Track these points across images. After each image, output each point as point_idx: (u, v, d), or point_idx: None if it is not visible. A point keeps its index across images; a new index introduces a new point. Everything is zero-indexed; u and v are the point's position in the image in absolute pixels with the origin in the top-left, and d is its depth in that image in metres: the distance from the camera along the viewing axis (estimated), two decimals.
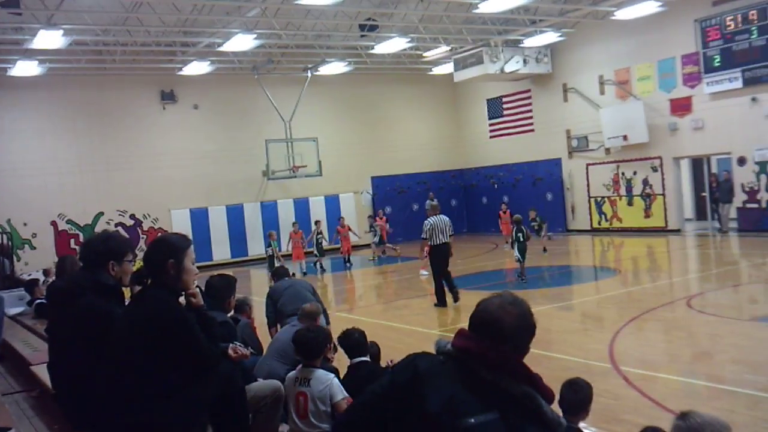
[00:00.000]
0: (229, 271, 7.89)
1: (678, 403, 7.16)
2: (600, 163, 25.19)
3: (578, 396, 4.37)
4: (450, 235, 13.62)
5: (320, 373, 5.38)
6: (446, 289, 13.22)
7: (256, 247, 26.14)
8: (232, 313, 7.14)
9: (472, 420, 2.30)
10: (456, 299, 12.87)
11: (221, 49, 20.95)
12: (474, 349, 2.44)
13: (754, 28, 20.06)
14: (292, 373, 5.51)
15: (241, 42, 20.14)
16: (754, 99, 20.35)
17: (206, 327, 4.10)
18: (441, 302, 13.01)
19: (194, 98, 25.48)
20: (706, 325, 10.72)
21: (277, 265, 15.64)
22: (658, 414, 6.70)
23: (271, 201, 26.73)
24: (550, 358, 9.06)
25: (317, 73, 25.70)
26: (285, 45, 22.96)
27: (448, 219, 13.82)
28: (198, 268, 4.39)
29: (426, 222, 13.74)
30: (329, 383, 5.32)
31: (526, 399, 2.36)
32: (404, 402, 2.47)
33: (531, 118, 27.77)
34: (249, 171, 25.91)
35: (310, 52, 23.88)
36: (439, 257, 13.32)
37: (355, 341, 5.95)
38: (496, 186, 29.56)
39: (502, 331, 2.43)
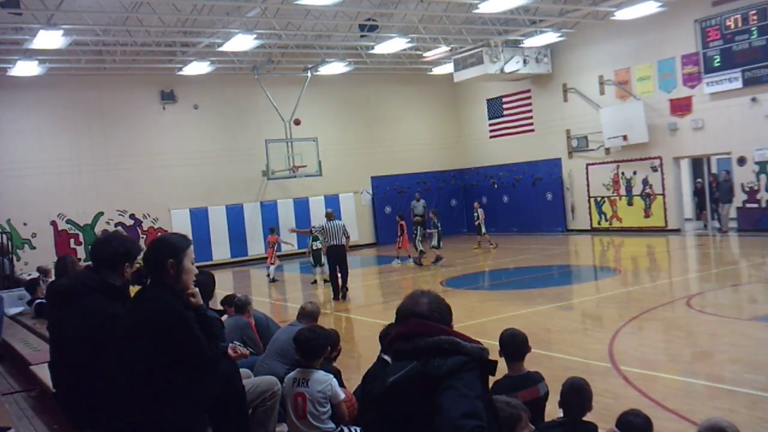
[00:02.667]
0: (228, 271, 7.90)
1: (678, 402, 7.18)
2: (600, 163, 25.19)
3: (582, 397, 4.43)
4: (346, 238, 16.03)
5: (319, 374, 5.37)
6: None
7: (256, 247, 26.16)
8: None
9: (393, 378, 2.66)
10: (343, 297, 15.64)
11: (221, 49, 20.96)
12: (395, 332, 2.84)
13: (754, 28, 20.06)
14: (291, 374, 5.51)
15: (241, 42, 20.15)
16: (754, 99, 20.35)
17: (206, 326, 4.11)
18: (335, 294, 15.77)
19: (194, 98, 25.49)
20: (705, 324, 10.73)
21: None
22: (658, 413, 6.70)
23: (271, 201, 26.73)
24: (551, 358, 9.07)
25: (317, 73, 25.71)
26: (285, 45, 22.98)
27: (341, 223, 16.39)
28: (198, 268, 4.40)
29: (319, 226, 16.72)
30: (328, 384, 5.32)
31: (443, 343, 2.69)
32: (368, 400, 3.00)
33: (531, 118, 27.77)
34: (249, 171, 25.92)
35: (310, 52, 23.89)
36: (333, 256, 16.01)
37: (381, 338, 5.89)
38: (496, 186, 29.57)
39: (414, 311, 2.83)
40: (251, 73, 25.12)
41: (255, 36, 19.97)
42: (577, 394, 4.47)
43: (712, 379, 7.97)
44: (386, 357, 3.08)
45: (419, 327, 2.77)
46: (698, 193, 23.08)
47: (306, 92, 25.81)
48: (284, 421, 5.58)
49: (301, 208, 27.28)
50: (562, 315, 12.42)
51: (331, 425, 5.33)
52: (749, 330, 10.20)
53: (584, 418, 4.52)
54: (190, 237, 4.37)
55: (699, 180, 23.54)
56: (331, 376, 5.42)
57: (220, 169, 25.60)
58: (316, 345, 5.48)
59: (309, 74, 25.60)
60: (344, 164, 27.76)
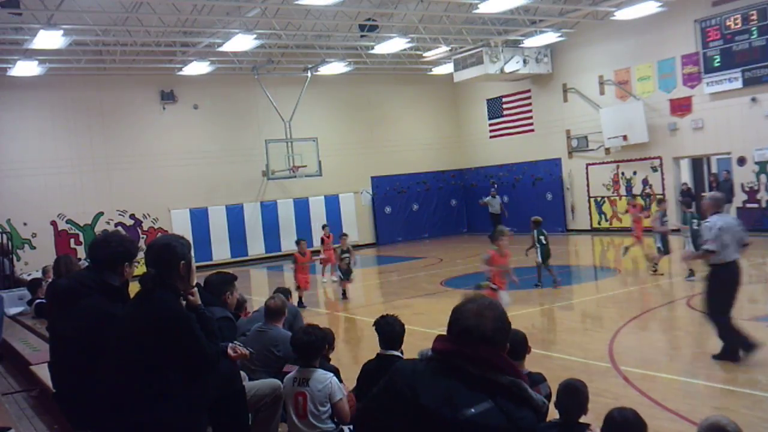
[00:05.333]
0: (229, 271, 7.90)
1: (678, 402, 7.18)
2: (600, 163, 25.19)
3: (578, 398, 4.39)
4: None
5: (319, 373, 5.37)
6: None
7: (255, 246, 26.19)
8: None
9: (473, 410, 2.40)
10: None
11: (221, 49, 20.97)
12: (459, 350, 2.54)
13: (754, 28, 20.07)
14: (291, 374, 5.50)
15: (241, 42, 20.15)
16: (754, 99, 20.35)
17: (204, 325, 4.11)
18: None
19: (194, 98, 25.49)
20: (705, 325, 10.69)
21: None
22: (658, 413, 6.71)
23: (270, 201, 26.74)
24: (551, 358, 9.07)
25: (317, 73, 25.71)
26: (285, 45, 22.98)
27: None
28: (198, 268, 4.41)
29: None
30: (328, 383, 5.31)
31: (513, 387, 2.48)
32: (400, 402, 2.54)
33: (531, 118, 27.77)
34: (249, 171, 25.92)
35: (310, 52, 23.89)
36: None
37: (387, 331, 5.66)
38: (495, 186, 29.55)
39: (484, 335, 2.53)
40: (251, 73, 25.12)
41: (255, 36, 19.97)
42: (573, 396, 4.42)
43: (712, 380, 7.97)
44: (427, 356, 2.69)
45: (494, 358, 2.51)
46: (684, 194, 23.01)
47: (306, 92, 25.81)
48: (285, 421, 5.59)
49: (301, 208, 27.29)
50: (562, 315, 12.42)
51: (331, 425, 5.33)
52: (749, 330, 10.17)
53: (581, 420, 4.51)
54: (191, 237, 4.38)
55: (685, 183, 23.51)
56: (331, 374, 5.42)
57: (220, 169, 25.60)
58: (313, 346, 5.46)
59: (309, 74, 25.61)
60: (344, 164, 27.76)
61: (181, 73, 23.96)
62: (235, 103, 26.17)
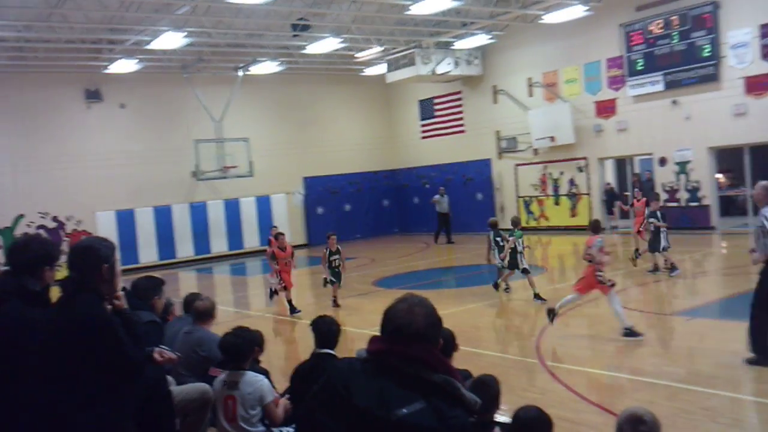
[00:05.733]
0: (157, 274, 7.72)
1: (601, 396, 7.40)
2: (528, 164, 25.71)
3: (488, 394, 4.41)
4: None
5: (249, 375, 5.33)
6: None
7: (184, 249, 25.75)
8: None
9: (405, 410, 2.40)
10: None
11: (149, 47, 20.51)
12: (392, 350, 2.54)
13: (675, 33, 20.82)
14: (220, 377, 5.44)
15: (170, 40, 19.77)
16: (674, 102, 21.12)
17: (130, 330, 4.03)
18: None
19: (121, 97, 24.86)
20: (628, 319, 11.06)
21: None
22: (583, 407, 6.90)
23: (200, 202, 26.30)
24: (479, 355, 9.22)
25: (248, 72, 25.43)
26: (215, 44, 22.64)
27: None
28: (124, 271, 4.31)
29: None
30: (258, 385, 5.27)
31: (446, 385, 2.49)
32: (336, 401, 2.54)
33: (462, 119, 28.15)
34: (178, 171, 25.43)
35: (242, 51, 23.61)
36: None
37: (324, 331, 5.63)
38: (427, 186, 29.82)
39: (416, 332, 2.55)
40: (180, 72, 24.66)
41: (185, 34, 19.62)
42: (484, 392, 4.35)
43: (635, 373, 8.23)
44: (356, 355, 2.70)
45: (427, 356, 2.53)
46: (608, 194, 23.74)
47: (237, 92, 25.51)
48: (214, 426, 5.52)
49: (232, 209, 26.95)
50: (491, 313, 12.63)
51: (262, 428, 5.30)
52: (670, 324, 10.59)
53: (498, 415, 4.56)
54: (116, 239, 4.29)
55: (609, 183, 24.24)
56: (262, 377, 5.38)
57: (147, 169, 25.02)
58: (242, 348, 5.41)
59: (240, 74, 25.31)
60: (276, 165, 27.55)
61: (107, 71, 23.31)
62: (164, 102, 25.64)
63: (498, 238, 14.09)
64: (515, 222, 14.33)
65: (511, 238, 13.59)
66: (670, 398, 7.10)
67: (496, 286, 13.96)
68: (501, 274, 14.02)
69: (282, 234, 14.29)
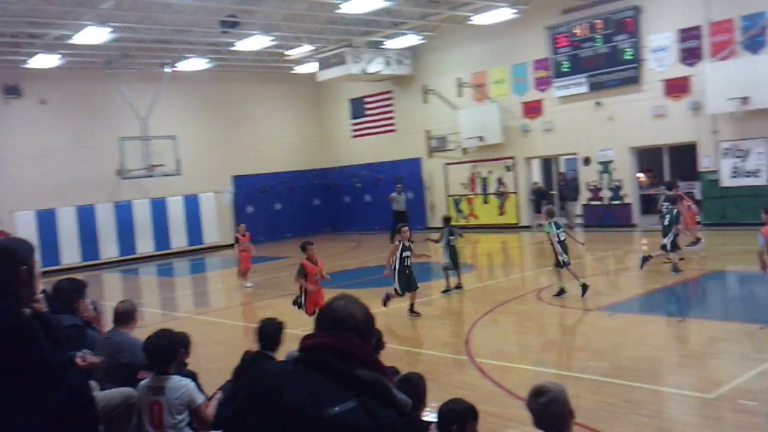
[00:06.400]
0: (79, 276, 7.49)
1: (528, 391, 7.53)
2: (458, 163, 26.04)
3: (414, 392, 4.43)
4: None
5: (175, 379, 5.19)
6: None
7: (109, 249, 25.08)
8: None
9: (337, 409, 2.40)
10: None
11: (72, 41, 19.87)
12: (330, 342, 2.55)
13: (599, 36, 21.42)
14: (144, 382, 5.29)
15: (94, 35, 19.21)
16: (598, 103, 21.73)
17: (50, 334, 3.90)
18: None
19: (42, 93, 24.00)
20: (554, 316, 11.34)
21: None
22: (511, 402, 7.03)
23: (125, 201, 25.64)
24: (410, 353, 9.29)
25: (176, 69, 24.95)
26: (141, 39, 22.07)
27: None
28: (45, 273, 4.16)
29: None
30: (185, 390, 5.15)
31: (378, 384, 2.50)
32: (265, 403, 2.52)
33: (392, 118, 28.29)
34: (102, 170, 24.71)
35: (169, 47, 23.11)
36: None
37: (267, 334, 5.71)
38: (358, 185, 29.87)
39: (355, 324, 2.59)
40: (105, 68, 24.00)
41: (109, 29, 19.07)
42: (410, 389, 4.30)
43: (560, 367, 8.44)
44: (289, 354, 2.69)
45: (362, 352, 2.53)
46: (536, 193, 24.27)
47: (164, 89, 24.98)
48: (139, 431, 5.38)
49: (159, 208, 26.38)
50: (421, 310, 12.71)
51: None
52: (593, 320, 10.89)
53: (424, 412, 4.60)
54: (36, 240, 4.14)
55: (536, 182, 24.79)
56: (188, 380, 5.26)
57: (70, 168, 24.22)
58: (166, 351, 5.28)
59: (167, 70, 24.79)
60: (204, 163, 27.10)
61: (27, 65, 22.46)
62: (87, 98, 24.88)
63: (451, 237, 13.66)
64: (550, 213, 12.78)
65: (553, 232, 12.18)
66: (594, 392, 7.30)
67: (459, 286, 13.54)
68: (448, 276, 13.63)
69: (311, 244, 10.99)
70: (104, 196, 25.15)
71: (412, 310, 11.61)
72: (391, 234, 23.99)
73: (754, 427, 6.12)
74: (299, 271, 10.30)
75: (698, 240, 15.53)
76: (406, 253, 11.67)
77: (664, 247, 13.80)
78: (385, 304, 11.58)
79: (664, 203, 14.57)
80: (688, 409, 6.77)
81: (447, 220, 14.23)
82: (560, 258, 12.03)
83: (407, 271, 11.55)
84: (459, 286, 13.53)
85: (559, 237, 12.06)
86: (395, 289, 11.54)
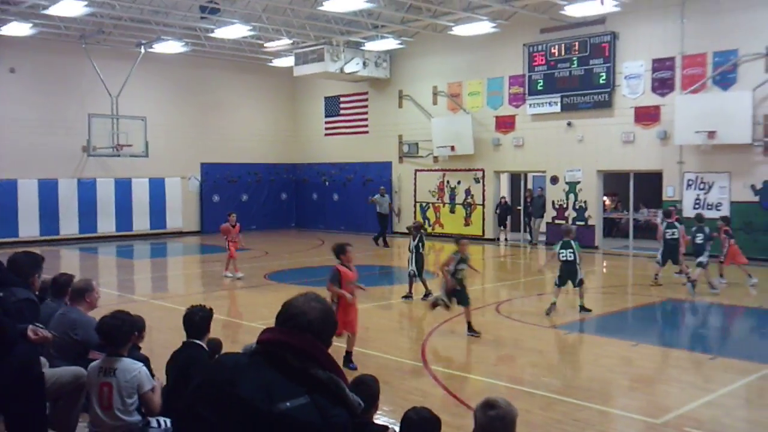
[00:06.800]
0: (37, 250, 7.34)
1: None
2: (428, 170, 26.13)
3: (367, 393, 4.43)
4: None
5: (127, 362, 5.13)
6: None
7: (69, 226, 24.66)
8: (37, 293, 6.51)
9: (288, 404, 2.39)
10: None
11: (47, 12, 19.49)
12: (283, 339, 2.55)
13: (575, 58, 21.69)
14: (95, 363, 5.21)
15: (70, 7, 18.91)
16: (569, 124, 22.00)
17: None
18: None
19: (11, 61, 23.53)
20: (511, 329, 11.42)
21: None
22: (462, 412, 7.06)
23: (90, 178, 25.24)
24: (367, 356, 9.28)
25: (151, 50, 24.64)
26: (118, 17, 21.76)
27: None
28: (1, 244, 4.07)
29: None
30: (137, 373, 5.10)
31: (331, 383, 2.50)
32: (218, 395, 2.50)
33: (366, 120, 28.29)
34: (68, 145, 24.31)
35: (146, 27, 22.81)
36: None
37: (194, 322, 5.56)
38: (327, 183, 29.81)
39: (309, 323, 2.58)
40: (79, 42, 23.61)
41: (85, 3, 18.77)
42: (363, 391, 4.42)
43: (513, 381, 8.49)
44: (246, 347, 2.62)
45: (315, 350, 2.53)
46: (502, 207, 24.41)
47: (137, 69, 24.67)
48: (87, 412, 5.29)
49: (123, 189, 26.01)
50: (381, 314, 12.73)
51: (138, 417, 5.13)
52: (549, 336, 11.00)
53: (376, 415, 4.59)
54: None
55: (503, 196, 24.94)
56: (141, 364, 5.20)
57: (35, 140, 23.76)
58: (119, 332, 5.20)
59: (142, 50, 24.48)
60: (173, 147, 26.81)
61: None
62: (59, 71, 24.44)
63: (420, 243, 13.48)
64: (567, 231, 12.86)
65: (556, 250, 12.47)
66: (545, 408, 7.37)
67: (428, 293, 13.30)
68: (412, 282, 13.51)
69: (349, 245, 9.08)
70: (69, 171, 24.73)
71: (470, 329, 10.49)
72: (376, 237, 23.65)
73: None
74: (333, 278, 8.65)
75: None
76: (462, 266, 10.95)
77: (701, 264, 14.29)
78: (433, 307, 11.08)
79: (686, 226, 15.06)
80: (635, 430, 6.87)
81: (419, 227, 14.15)
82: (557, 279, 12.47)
83: (459, 286, 10.76)
84: (428, 293, 13.33)
85: (559, 257, 12.30)
86: (443, 300, 10.86)
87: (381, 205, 23.97)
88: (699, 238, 14.41)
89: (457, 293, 10.68)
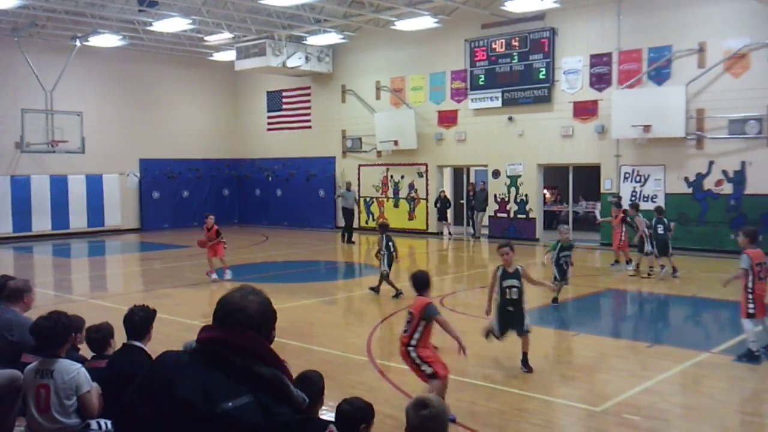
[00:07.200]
0: None
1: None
2: (371, 165, 26.17)
3: (312, 389, 4.42)
4: None
5: (65, 363, 5.01)
6: None
7: (2, 224, 23.93)
8: None
9: (230, 404, 2.33)
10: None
11: None
12: (222, 337, 2.47)
13: (515, 53, 21.99)
14: (32, 365, 5.07)
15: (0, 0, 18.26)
16: (510, 118, 22.31)
17: None
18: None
19: None
20: (455, 322, 11.42)
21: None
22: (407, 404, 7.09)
23: (23, 176, 24.47)
24: (311, 351, 9.25)
25: (87, 43, 24.00)
26: (52, 9, 21.10)
27: None
28: None
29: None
30: (75, 374, 4.98)
31: (275, 380, 2.45)
32: (158, 394, 2.43)
33: (309, 114, 28.15)
34: (0, 141, 23.50)
35: (81, 20, 22.21)
36: None
37: (133, 323, 5.40)
38: (270, 179, 29.57)
39: (249, 318, 2.50)
40: (10, 35, 22.84)
41: None
42: (308, 387, 4.23)
43: (458, 373, 8.55)
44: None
45: (258, 347, 2.47)
46: (441, 201, 24.53)
47: (72, 63, 24.02)
48: (24, 416, 5.14)
49: (59, 186, 25.29)
50: (325, 309, 12.72)
51: (77, 420, 5.01)
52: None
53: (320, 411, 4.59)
54: None
55: (442, 189, 25.05)
56: (79, 365, 5.08)
57: None
58: (55, 333, 5.07)
59: (78, 44, 23.83)
60: (111, 143, 26.20)
61: None
62: None
63: (390, 243, 13.37)
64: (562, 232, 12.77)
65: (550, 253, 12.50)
66: (488, 399, 7.48)
67: (375, 290, 13.33)
68: (382, 280, 13.32)
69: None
70: (1, 168, 23.94)
71: (525, 362, 8.46)
72: (343, 233, 23.34)
73: None
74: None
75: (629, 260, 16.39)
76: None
77: (649, 253, 15.29)
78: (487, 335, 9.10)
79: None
80: (576, 420, 7.03)
81: (384, 227, 14.06)
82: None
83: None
84: (398, 292, 13.07)
85: (558, 258, 12.27)
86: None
87: (346, 199, 23.78)
88: (660, 230, 15.05)
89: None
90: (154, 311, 5.55)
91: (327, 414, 5.01)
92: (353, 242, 23.07)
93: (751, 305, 8.66)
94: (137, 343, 5.34)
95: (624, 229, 16.38)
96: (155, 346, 5.41)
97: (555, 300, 12.31)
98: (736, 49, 18.16)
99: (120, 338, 5.53)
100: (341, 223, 26.59)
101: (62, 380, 4.92)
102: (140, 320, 5.39)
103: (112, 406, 4.93)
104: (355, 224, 24.85)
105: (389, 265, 13.34)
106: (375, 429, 4.47)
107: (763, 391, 8.11)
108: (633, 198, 19.43)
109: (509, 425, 6.71)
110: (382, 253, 13.27)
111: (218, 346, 2.46)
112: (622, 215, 16.57)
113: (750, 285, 8.66)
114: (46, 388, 4.92)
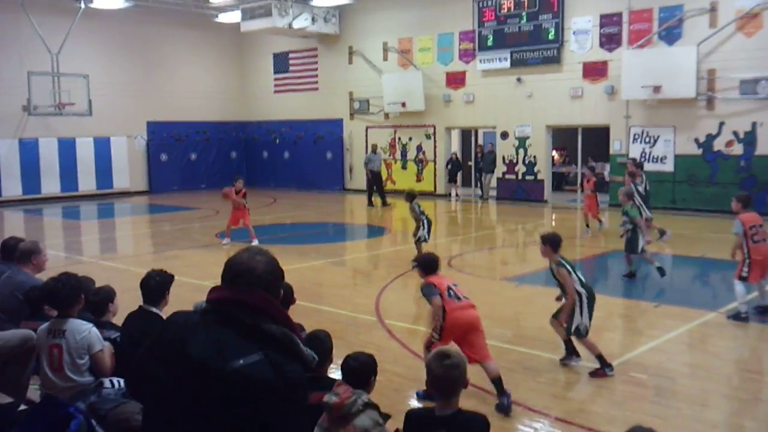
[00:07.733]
0: None
1: None
2: (379, 127, 26.05)
3: (321, 348, 4.47)
4: None
5: (76, 323, 5.07)
6: None
7: (11, 187, 24.04)
8: None
9: (241, 362, 2.36)
10: None
11: None
12: (232, 296, 2.51)
13: (524, 13, 21.71)
14: (44, 325, 5.14)
15: None
16: (519, 79, 22.11)
17: None
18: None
19: None
20: (463, 283, 11.45)
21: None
22: (415, 363, 7.18)
23: (31, 138, 24.50)
24: (321, 311, 9.34)
25: (92, 5, 23.80)
26: None
27: None
28: None
29: None
30: (86, 333, 5.04)
31: (285, 338, 2.48)
32: (170, 353, 2.47)
33: (316, 76, 27.96)
34: (7, 104, 23.49)
35: None
36: None
37: (149, 287, 5.46)
38: (277, 141, 29.51)
39: (258, 278, 2.54)
40: None
41: None
42: (317, 346, 4.29)
43: None
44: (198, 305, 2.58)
45: (267, 306, 2.50)
46: (453, 163, 24.46)
47: (77, 24, 23.84)
48: (38, 374, 5.23)
49: (67, 149, 25.33)
50: (334, 270, 12.79)
51: (90, 378, 5.09)
52: (500, 289, 11.21)
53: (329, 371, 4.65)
54: None
55: (454, 152, 24.96)
56: (90, 325, 5.14)
57: None
58: (65, 293, 5.13)
59: (82, 5, 23.63)
60: (118, 106, 26.14)
61: None
62: None
63: (421, 211, 12.46)
64: (629, 194, 11.77)
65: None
66: (496, 357, 7.48)
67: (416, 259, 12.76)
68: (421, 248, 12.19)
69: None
70: (9, 131, 23.96)
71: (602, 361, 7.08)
72: (369, 196, 22.71)
73: (643, 398, 6.47)
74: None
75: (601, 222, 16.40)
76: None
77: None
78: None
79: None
80: (583, 378, 7.09)
81: (412, 196, 12.83)
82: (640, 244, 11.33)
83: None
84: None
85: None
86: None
87: (374, 162, 23.05)
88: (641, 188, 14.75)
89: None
90: (172, 276, 5.58)
91: (334, 372, 5.07)
92: (388, 204, 22.17)
93: (745, 269, 8.78)
94: (153, 309, 5.39)
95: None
96: (166, 307, 5.48)
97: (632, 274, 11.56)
98: (748, 9, 17.87)
99: (136, 301, 5.58)
100: (349, 185, 26.58)
101: (74, 340, 4.99)
102: (156, 284, 5.44)
103: (125, 368, 5.00)
104: (363, 186, 24.56)
105: (428, 233, 12.52)
106: (383, 387, 4.53)
107: None
108: (642, 158, 19.14)
109: (517, 384, 6.77)
110: (423, 222, 12.45)
111: (228, 305, 2.50)
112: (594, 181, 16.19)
113: (746, 248, 8.75)
114: (59, 347, 4.99)
